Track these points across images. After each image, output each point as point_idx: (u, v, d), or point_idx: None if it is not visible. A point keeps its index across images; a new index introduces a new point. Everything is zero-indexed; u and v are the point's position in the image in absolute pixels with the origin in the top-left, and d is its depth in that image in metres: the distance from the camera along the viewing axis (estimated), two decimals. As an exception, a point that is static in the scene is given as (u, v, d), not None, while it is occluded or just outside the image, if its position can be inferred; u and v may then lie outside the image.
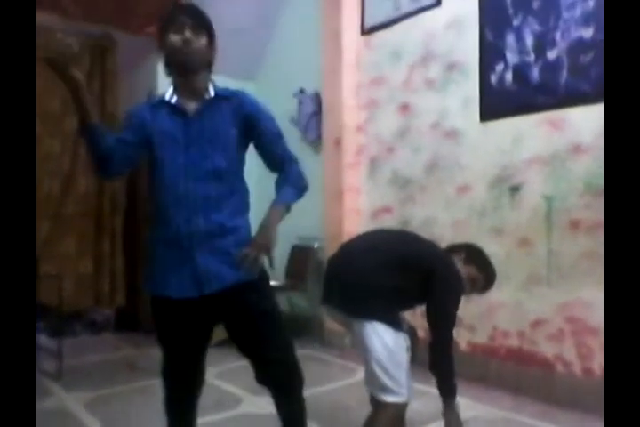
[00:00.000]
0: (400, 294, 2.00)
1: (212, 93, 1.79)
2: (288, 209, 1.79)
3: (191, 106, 1.77)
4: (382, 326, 1.93)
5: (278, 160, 1.87)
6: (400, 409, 1.97)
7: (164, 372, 1.88)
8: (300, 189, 1.85)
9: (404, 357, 1.96)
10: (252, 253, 1.67)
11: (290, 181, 1.84)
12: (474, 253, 2.23)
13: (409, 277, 2.00)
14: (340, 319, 2.14)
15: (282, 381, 1.85)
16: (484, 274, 2.19)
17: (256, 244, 1.69)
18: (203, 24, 1.75)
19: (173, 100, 1.78)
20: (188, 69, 1.75)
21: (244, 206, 1.84)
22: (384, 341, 1.92)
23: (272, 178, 1.92)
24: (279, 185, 1.85)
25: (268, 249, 1.70)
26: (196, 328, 1.82)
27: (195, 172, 1.72)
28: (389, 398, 1.91)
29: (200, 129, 1.75)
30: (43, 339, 3.93)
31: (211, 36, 1.78)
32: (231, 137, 1.78)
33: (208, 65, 1.80)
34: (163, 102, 1.79)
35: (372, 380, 1.96)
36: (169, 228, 1.73)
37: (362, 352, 1.98)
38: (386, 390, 1.91)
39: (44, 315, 3.96)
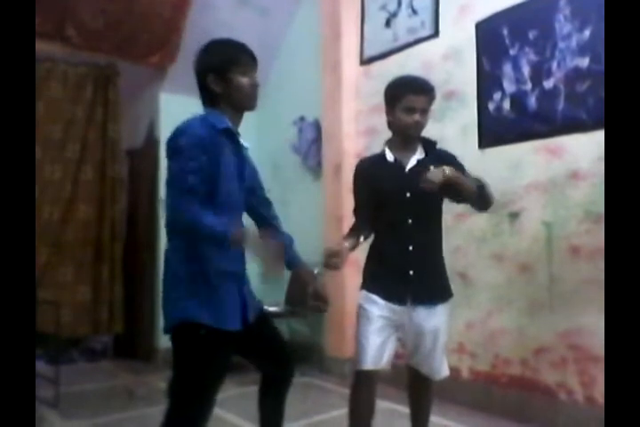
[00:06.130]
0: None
1: (246, 143, 1.90)
2: None
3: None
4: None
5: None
6: None
7: (199, 405, 1.78)
8: None
9: None
10: None
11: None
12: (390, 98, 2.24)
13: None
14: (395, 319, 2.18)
15: (293, 374, 2.06)
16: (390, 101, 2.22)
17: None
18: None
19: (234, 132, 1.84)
20: (245, 111, 1.86)
21: None
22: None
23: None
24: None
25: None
26: (230, 357, 1.86)
27: (242, 207, 1.90)
28: (444, 374, 2.24)
29: (246, 170, 1.89)
30: (40, 366, 3.88)
31: None
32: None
33: None
34: (230, 133, 1.81)
35: (431, 361, 2.20)
36: (230, 263, 1.80)
37: (421, 334, 2.17)
38: (444, 367, 2.23)
39: (42, 342, 3.92)
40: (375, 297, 2.17)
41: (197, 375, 1.75)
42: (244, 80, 1.77)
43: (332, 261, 2.01)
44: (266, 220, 2.05)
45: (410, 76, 2.35)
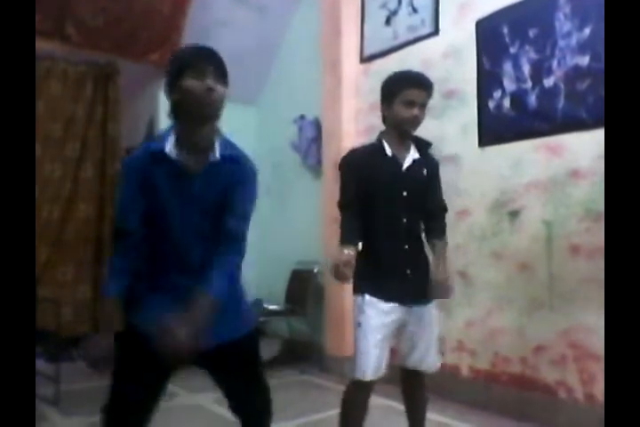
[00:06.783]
0: None
1: (218, 155, 1.65)
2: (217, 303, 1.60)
3: (192, 161, 1.65)
4: None
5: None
6: None
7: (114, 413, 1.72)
8: (230, 276, 1.68)
9: None
10: None
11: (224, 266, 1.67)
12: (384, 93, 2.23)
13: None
14: (399, 317, 2.16)
15: (270, 410, 1.86)
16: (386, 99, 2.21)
17: None
18: (224, 72, 1.64)
19: (174, 156, 1.63)
20: (203, 120, 1.63)
21: None
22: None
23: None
24: (216, 266, 1.65)
25: None
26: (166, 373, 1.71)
27: (193, 232, 1.66)
28: (438, 366, 2.28)
29: (200, 189, 1.64)
30: (40, 364, 3.89)
31: (226, 86, 1.65)
32: (223, 199, 1.68)
33: (218, 116, 1.68)
34: (163, 155, 1.63)
35: (428, 357, 2.22)
36: (160, 276, 1.66)
37: (420, 332, 2.19)
38: (438, 359, 2.28)
39: (42, 340, 3.92)
40: (376, 300, 2.10)
41: (113, 383, 1.71)
42: (195, 83, 1.57)
43: (342, 271, 1.96)
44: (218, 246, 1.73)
45: (409, 70, 2.31)
